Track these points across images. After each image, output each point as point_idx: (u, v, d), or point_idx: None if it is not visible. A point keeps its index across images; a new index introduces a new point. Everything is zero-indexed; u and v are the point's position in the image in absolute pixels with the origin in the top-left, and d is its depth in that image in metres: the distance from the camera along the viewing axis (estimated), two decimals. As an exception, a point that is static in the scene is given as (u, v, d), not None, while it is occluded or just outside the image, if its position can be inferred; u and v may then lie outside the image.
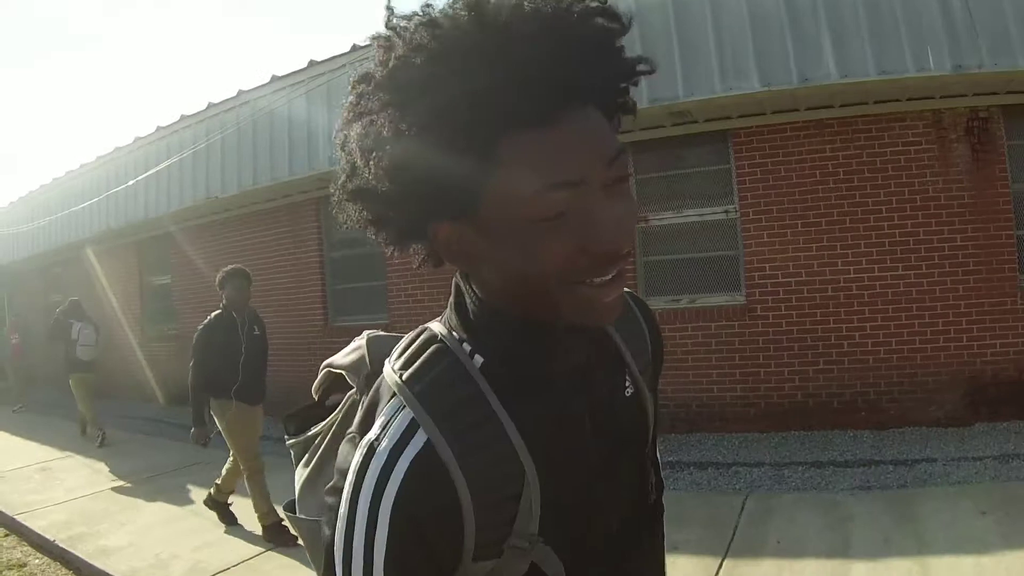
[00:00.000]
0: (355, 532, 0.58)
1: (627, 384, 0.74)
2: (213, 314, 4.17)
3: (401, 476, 0.57)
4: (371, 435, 0.60)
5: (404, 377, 0.62)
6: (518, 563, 0.62)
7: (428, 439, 0.57)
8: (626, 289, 0.68)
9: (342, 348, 0.83)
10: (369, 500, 0.57)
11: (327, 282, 7.11)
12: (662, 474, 0.82)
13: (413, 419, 0.59)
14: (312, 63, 6.53)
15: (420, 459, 0.57)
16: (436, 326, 0.68)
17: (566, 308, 0.59)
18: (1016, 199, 5.59)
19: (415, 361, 0.63)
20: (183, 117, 7.96)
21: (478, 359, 0.63)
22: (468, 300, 0.66)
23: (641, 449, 0.76)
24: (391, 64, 0.56)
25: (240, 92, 7.16)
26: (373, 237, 0.66)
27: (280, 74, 6.77)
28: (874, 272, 5.35)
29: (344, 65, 6.20)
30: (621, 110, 0.64)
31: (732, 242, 5.70)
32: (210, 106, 7.53)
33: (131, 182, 8.45)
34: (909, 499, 4.02)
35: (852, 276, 5.40)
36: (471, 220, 0.58)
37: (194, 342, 4.14)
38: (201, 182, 7.51)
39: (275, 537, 3.99)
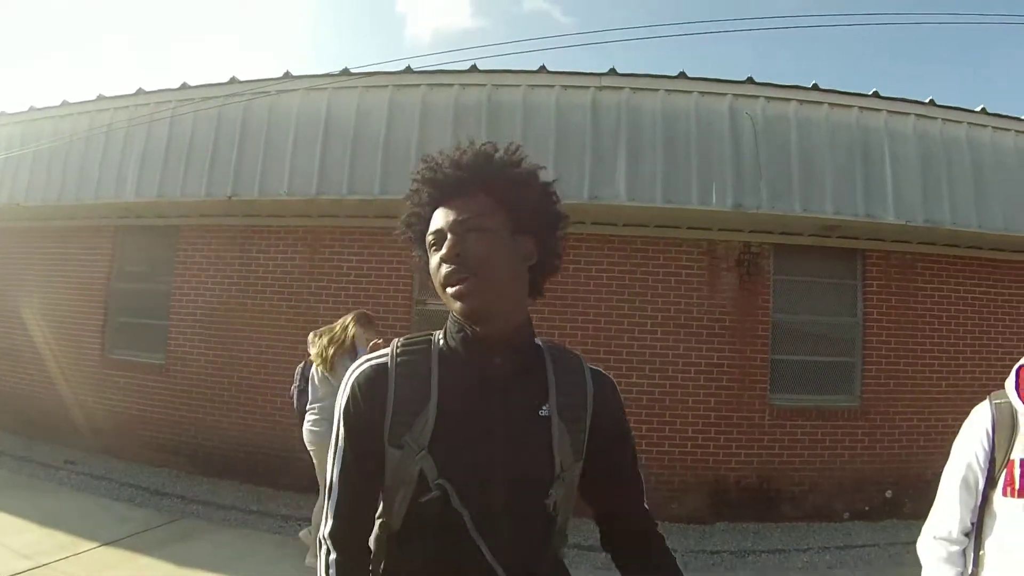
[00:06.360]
0: (339, 394, 1.09)
1: (544, 408, 1.08)
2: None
3: (362, 368, 1.08)
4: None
5: (400, 340, 1.13)
6: (411, 464, 1.01)
7: (385, 360, 1.08)
8: (596, 367, 1.19)
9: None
10: (347, 378, 1.09)
11: (109, 313, 6.82)
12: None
13: (386, 352, 1.09)
14: (140, 91, 6.40)
15: (374, 364, 1.08)
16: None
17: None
18: (775, 327, 6.32)
19: (411, 336, 1.14)
20: (3, 114, 7.49)
21: (440, 339, 1.10)
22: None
23: (540, 458, 1.06)
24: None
25: (64, 103, 6.87)
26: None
27: (108, 95, 6.58)
28: (632, 379, 5.80)
29: (170, 101, 6.15)
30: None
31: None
32: (31, 110, 7.16)
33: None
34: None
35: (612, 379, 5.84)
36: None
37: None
38: (6, 186, 7.05)
39: None
